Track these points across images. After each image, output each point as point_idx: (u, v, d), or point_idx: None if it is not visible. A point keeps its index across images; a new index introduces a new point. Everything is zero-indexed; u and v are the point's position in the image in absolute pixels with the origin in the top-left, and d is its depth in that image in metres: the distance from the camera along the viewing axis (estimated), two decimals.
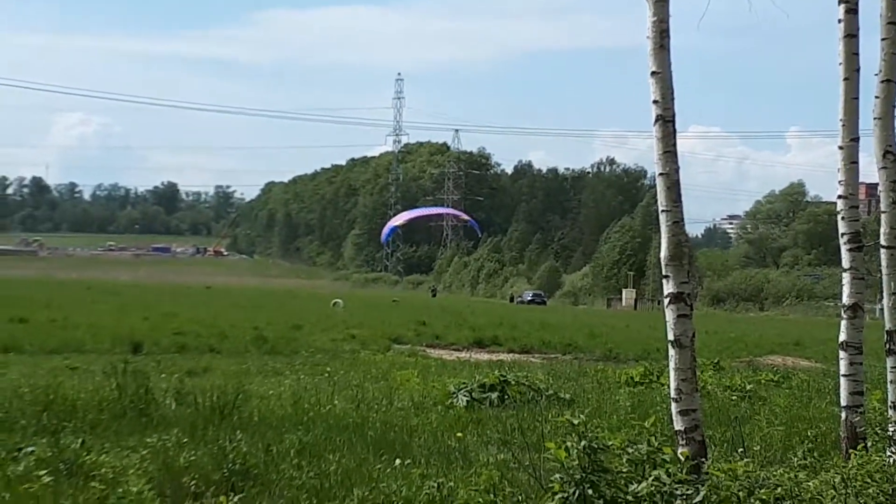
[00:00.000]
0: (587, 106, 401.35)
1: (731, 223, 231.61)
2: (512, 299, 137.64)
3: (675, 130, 9.77)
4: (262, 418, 14.60)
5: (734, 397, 19.95)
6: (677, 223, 9.68)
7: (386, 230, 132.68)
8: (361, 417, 15.32)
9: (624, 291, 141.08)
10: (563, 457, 8.72)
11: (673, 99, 9.77)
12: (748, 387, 21.40)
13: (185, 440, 12.31)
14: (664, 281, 9.71)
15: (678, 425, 9.48)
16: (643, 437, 9.07)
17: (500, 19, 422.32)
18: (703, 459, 9.21)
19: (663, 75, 9.72)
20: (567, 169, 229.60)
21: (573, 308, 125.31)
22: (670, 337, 9.60)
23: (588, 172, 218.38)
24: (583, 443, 8.52)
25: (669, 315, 9.61)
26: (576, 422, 8.69)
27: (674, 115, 9.76)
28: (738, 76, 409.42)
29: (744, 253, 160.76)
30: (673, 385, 9.62)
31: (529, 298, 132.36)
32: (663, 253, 9.72)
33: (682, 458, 8.91)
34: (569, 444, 8.64)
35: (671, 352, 9.60)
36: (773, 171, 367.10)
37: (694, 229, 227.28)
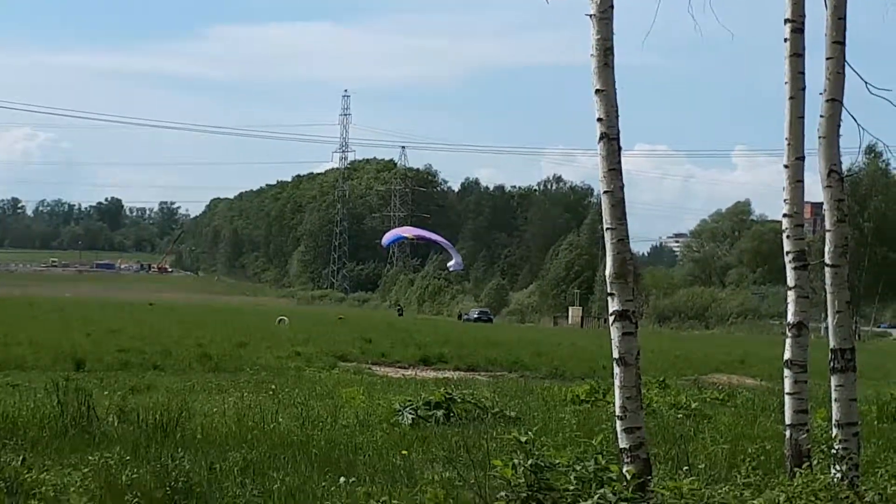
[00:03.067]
0: (535, 123, 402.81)
1: (677, 241, 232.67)
2: (459, 317, 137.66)
3: (619, 148, 9.78)
4: (205, 436, 14.48)
5: (679, 415, 19.98)
6: (622, 241, 9.68)
7: (391, 235, 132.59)
8: (306, 435, 15.22)
9: (570, 309, 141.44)
10: (509, 474, 8.69)
11: (617, 117, 9.78)
12: (693, 405, 21.45)
13: (128, 458, 12.18)
14: (609, 299, 9.71)
15: (623, 443, 9.47)
16: (590, 455, 9.05)
17: (450, 37, 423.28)
18: (649, 477, 9.21)
19: (608, 93, 9.72)
20: (514, 186, 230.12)
21: (520, 326, 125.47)
22: (615, 355, 9.60)
23: (535, 190, 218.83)
24: (530, 461, 8.50)
25: (614, 333, 9.61)
26: (523, 439, 8.66)
27: (618, 133, 9.77)
28: (684, 94, 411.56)
29: (689, 271, 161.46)
30: (618, 403, 9.61)
31: (476, 316, 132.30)
32: (608, 270, 9.72)
33: (628, 476, 8.90)
34: (515, 461, 8.60)
35: (616, 370, 9.60)
36: (719, 189, 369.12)
37: (640, 247, 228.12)
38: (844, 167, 11.66)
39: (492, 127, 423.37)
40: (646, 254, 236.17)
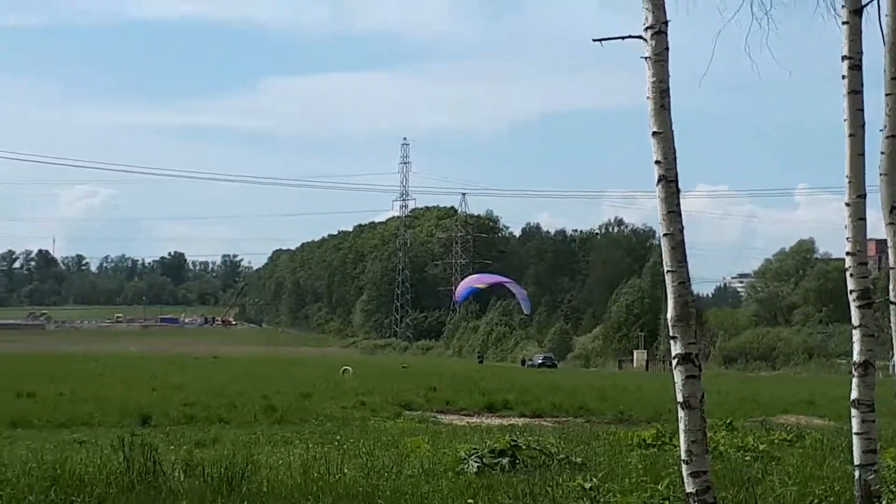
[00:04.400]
0: (595, 167, 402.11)
1: (741, 282, 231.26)
2: (523, 363, 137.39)
3: (678, 190, 9.75)
4: (270, 489, 14.46)
5: (747, 458, 19.75)
6: (683, 283, 9.63)
7: (464, 289, 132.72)
8: (371, 486, 15.16)
9: (635, 353, 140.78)
10: None
11: (675, 159, 9.75)
12: (761, 447, 21.21)
13: None
14: (672, 342, 9.64)
15: (689, 487, 9.38)
16: (656, 501, 8.98)
17: (505, 83, 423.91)
18: None
19: (665, 135, 9.70)
20: (575, 230, 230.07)
21: (584, 370, 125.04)
22: (679, 398, 9.53)
23: (596, 233, 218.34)
24: None
25: (678, 376, 9.54)
26: (587, 486, 8.62)
27: (676, 175, 9.73)
28: (744, 134, 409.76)
29: (754, 312, 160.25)
30: (683, 447, 9.53)
31: (540, 361, 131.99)
32: (670, 313, 9.65)
33: None
34: None
35: (680, 413, 9.52)
36: (781, 228, 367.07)
37: (703, 288, 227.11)
38: None
39: (551, 171, 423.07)
40: (710, 295, 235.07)
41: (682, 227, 9.77)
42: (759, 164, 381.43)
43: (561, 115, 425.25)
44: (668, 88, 9.74)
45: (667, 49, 9.75)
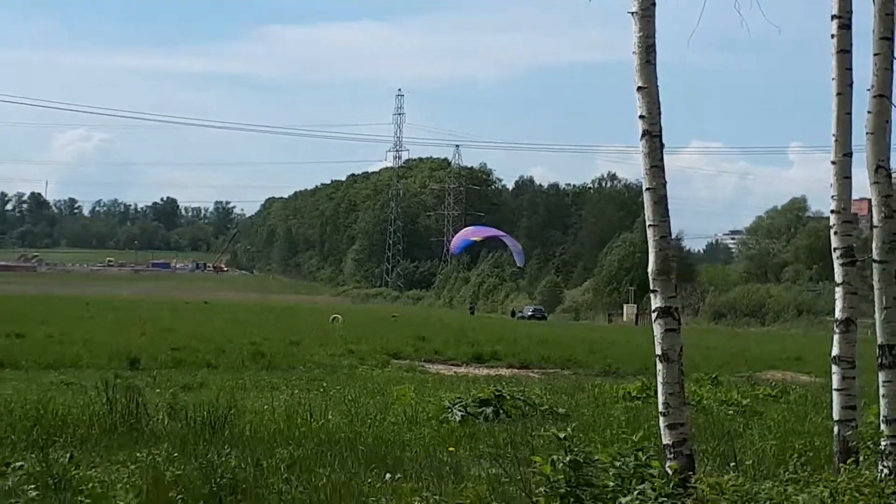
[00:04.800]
0: (589, 121, 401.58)
1: (733, 238, 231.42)
2: (513, 314, 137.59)
3: (662, 145, 9.77)
4: (253, 433, 14.55)
5: (730, 412, 19.90)
6: (664, 238, 9.66)
7: (459, 242, 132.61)
8: (354, 432, 15.26)
9: (625, 307, 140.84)
10: (548, 471, 8.68)
11: (660, 114, 9.76)
12: (745, 401, 21.37)
13: (175, 455, 12.29)
14: (652, 295, 9.69)
15: (666, 439, 9.44)
16: (630, 451, 9.03)
17: (502, 35, 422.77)
18: (691, 473, 9.17)
19: (650, 90, 9.70)
20: (568, 184, 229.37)
21: (574, 323, 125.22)
22: (658, 351, 9.58)
23: (589, 188, 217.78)
24: (569, 457, 8.49)
25: (657, 329, 9.59)
26: (562, 436, 8.65)
27: (660, 131, 9.75)
28: (739, 91, 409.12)
29: (745, 268, 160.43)
30: (661, 399, 9.59)
31: (530, 314, 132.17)
32: (651, 267, 9.69)
33: (670, 473, 8.87)
34: (555, 458, 8.60)
35: (659, 366, 9.58)
36: (774, 186, 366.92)
37: (696, 244, 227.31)
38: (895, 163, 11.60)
39: (546, 125, 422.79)
40: (702, 251, 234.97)
41: (665, 182, 9.80)
42: (754, 121, 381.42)
43: (557, 69, 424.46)
44: (653, 44, 9.74)
45: (653, 4, 9.74)
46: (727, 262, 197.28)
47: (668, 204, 9.79)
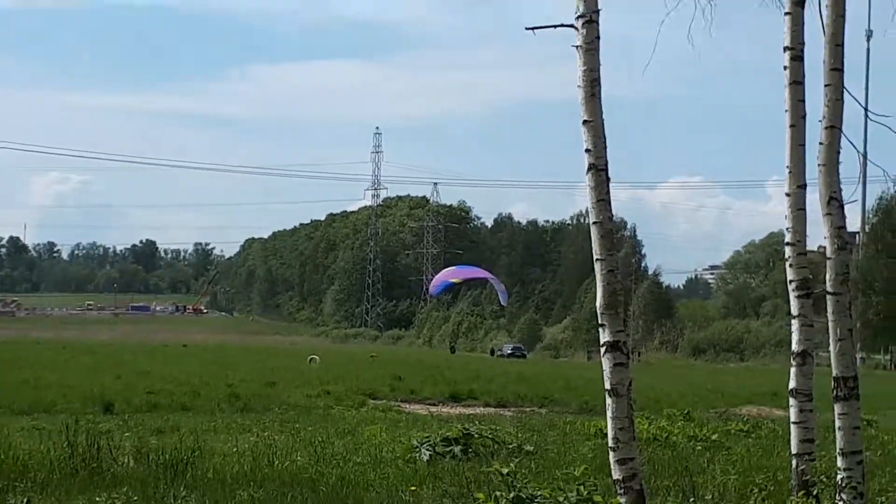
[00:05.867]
0: (567, 157, 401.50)
1: (711, 273, 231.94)
2: (492, 353, 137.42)
3: (608, 179, 9.81)
4: (216, 475, 14.48)
5: (698, 447, 19.88)
6: (612, 272, 9.68)
7: (439, 283, 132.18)
8: (318, 473, 15.20)
9: None
10: None
11: (605, 147, 9.80)
12: (713, 437, 21.36)
13: (135, 498, 12.22)
14: (600, 330, 9.70)
15: (616, 474, 9.44)
16: (571, 486, 9.04)
17: (480, 72, 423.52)
18: None
19: (595, 124, 9.74)
20: (547, 221, 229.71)
21: (553, 361, 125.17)
22: (607, 386, 9.58)
23: (568, 224, 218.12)
24: (511, 493, 8.49)
25: (606, 364, 9.60)
26: (505, 471, 8.65)
27: (606, 164, 9.79)
28: (718, 125, 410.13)
29: (724, 303, 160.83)
30: (610, 434, 9.59)
31: (510, 352, 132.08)
32: (599, 301, 9.71)
33: None
34: (497, 493, 8.60)
35: (608, 400, 9.59)
36: (754, 220, 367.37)
37: (675, 280, 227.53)
38: (853, 194, 11.65)
39: (525, 161, 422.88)
40: (681, 286, 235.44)
41: (612, 216, 9.84)
42: (734, 155, 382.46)
43: (536, 105, 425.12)
44: (598, 77, 9.78)
45: (597, 38, 9.78)
46: (706, 297, 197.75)
47: (614, 238, 9.82)
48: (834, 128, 11.20)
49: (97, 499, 12.09)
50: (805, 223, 11.60)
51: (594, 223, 9.78)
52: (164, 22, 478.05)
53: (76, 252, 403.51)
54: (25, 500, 11.46)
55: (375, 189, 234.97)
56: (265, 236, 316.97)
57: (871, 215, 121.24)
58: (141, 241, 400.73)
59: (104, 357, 70.66)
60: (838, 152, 11.22)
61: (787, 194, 11.56)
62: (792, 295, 11.41)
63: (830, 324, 11.03)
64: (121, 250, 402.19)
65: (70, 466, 14.32)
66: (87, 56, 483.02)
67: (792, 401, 11.28)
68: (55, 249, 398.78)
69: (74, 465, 14.34)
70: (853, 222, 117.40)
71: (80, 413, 28.88)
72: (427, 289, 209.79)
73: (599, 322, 9.69)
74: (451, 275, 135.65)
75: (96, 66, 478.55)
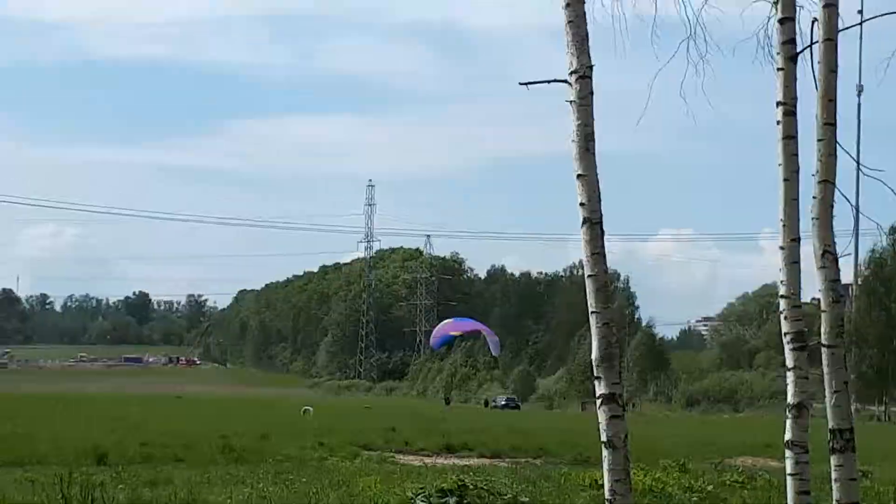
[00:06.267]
0: (560, 210, 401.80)
1: (705, 325, 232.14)
2: (486, 404, 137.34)
3: (602, 232, 9.88)
4: None
5: (694, 498, 19.92)
6: (607, 325, 9.73)
7: (439, 337, 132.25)
8: None
9: None
10: None
11: (599, 201, 9.88)
12: (709, 488, 21.39)
13: None
14: (596, 382, 9.74)
15: None
16: None
17: (474, 126, 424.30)
18: None
19: (589, 178, 9.82)
20: (540, 273, 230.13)
21: (547, 412, 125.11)
22: (603, 438, 9.61)
23: (561, 276, 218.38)
24: None
25: (602, 416, 9.63)
26: None
27: (601, 218, 9.87)
28: (710, 179, 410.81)
29: (717, 355, 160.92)
30: (607, 486, 9.61)
31: (503, 403, 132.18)
32: (594, 354, 9.76)
33: None
34: None
35: (604, 453, 9.61)
36: (747, 272, 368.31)
37: (668, 332, 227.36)
38: (847, 248, 11.72)
39: (517, 214, 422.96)
40: (674, 338, 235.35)
41: (607, 269, 9.91)
42: (725, 208, 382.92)
43: (529, 158, 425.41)
44: (592, 132, 9.87)
45: (591, 93, 9.87)
46: (699, 349, 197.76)
47: (608, 291, 9.90)
48: (827, 182, 11.27)
49: None
50: (799, 276, 11.65)
51: (589, 276, 9.85)
52: (153, 76, 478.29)
53: (69, 304, 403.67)
54: None
55: (368, 241, 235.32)
56: (258, 288, 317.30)
57: (863, 268, 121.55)
58: (134, 293, 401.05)
59: (97, 409, 70.49)
60: (832, 206, 11.29)
61: (781, 247, 11.61)
62: (787, 347, 11.44)
63: (826, 376, 11.07)
64: (114, 302, 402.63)
65: None
66: (81, 111, 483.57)
67: (788, 452, 11.29)
68: (48, 301, 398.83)
69: None
70: (846, 275, 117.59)
71: (74, 465, 28.78)
72: (420, 340, 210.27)
73: (595, 374, 9.74)
74: (450, 328, 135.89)
75: (89, 121, 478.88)
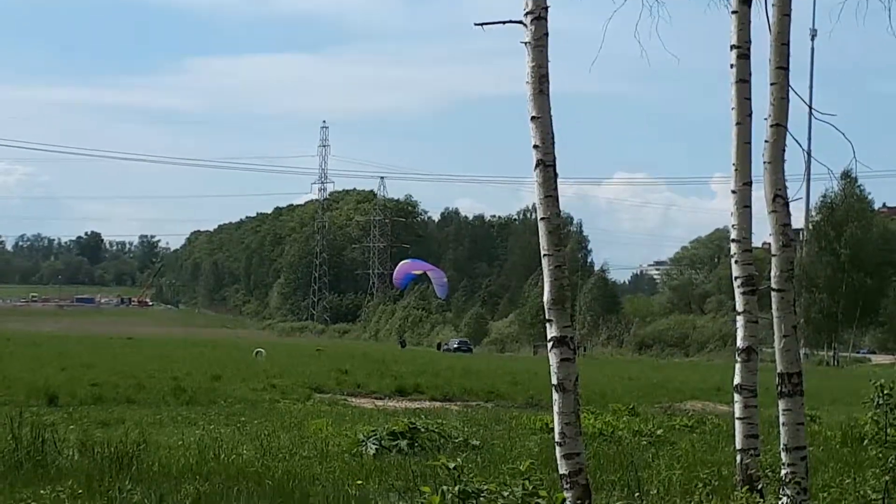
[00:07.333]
0: (515, 152, 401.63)
1: (657, 269, 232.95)
2: (439, 347, 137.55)
3: (556, 175, 9.85)
4: (162, 469, 14.44)
5: (643, 442, 20.00)
6: (559, 267, 9.72)
7: (403, 276, 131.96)
8: (264, 467, 15.19)
9: None
10: (437, 501, 8.71)
11: (553, 143, 9.84)
12: (659, 432, 21.48)
13: (80, 492, 12.16)
14: (547, 325, 9.73)
15: (562, 469, 9.47)
16: (517, 480, 9.08)
17: (428, 67, 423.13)
18: (588, 503, 9.21)
19: (543, 120, 9.77)
20: (494, 216, 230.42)
21: (499, 356, 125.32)
22: (554, 381, 9.61)
23: (515, 219, 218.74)
24: (457, 487, 8.52)
25: (553, 359, 9.63)
26: (451, 466, 8.68)
27: (554, 160, 9.83)
28: (664, 123, 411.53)
29: (668, 299, 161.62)
30: (557, 429, 9.62)
31: (456, 346, 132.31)
32: (546, 297, 9.75)
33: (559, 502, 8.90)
34: (444, 488, 8.63)
35: (555, 395, 9.62)
36: (699, 216, 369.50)
37: (621, 275, 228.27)
38: (798, 192, 11.74)
39: (471, 157, 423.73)
40: (627, 282, 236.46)
41: (559, 212, 9.89)
42: (678, 153, 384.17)
43: (483, 100, 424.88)
44: (546, 73, 9.81)
45: (546, 35, 9.81)
46: (651, 293, 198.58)
47: (561, 234, 9.88)
48: (779, 126, 11.29)
49: (42, 492, 12.02)
50: (750, 220, 11.70)
51: (542, 219, 9.82)
52: (108, 14, 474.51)
53: (20, 243, 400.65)
54: None
55: (322, 183, 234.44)
56: (211, 229, 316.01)
57: (814, 213, 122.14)
58: (86, 233, 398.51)
59: (48, 349, 70.10)
60: (783, 150, 11.31)
61: (733, 191, 11.65)
62: (737, 291, 11.50)
63: (775, 320, 11.12)
64: (66, 242, 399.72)
65: (14, 459, 14.24)
66: (31, 48, 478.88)
67: (737, 396, 11.38)
68: None
69: (19, 457, 14.27)
70: (797, 220, 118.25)
71: (24, 405, 28.66)
72: (374, 283, 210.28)
73: (546, 317, 9.72)
74: (411, 267, 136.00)
75: (41, 57, 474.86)
